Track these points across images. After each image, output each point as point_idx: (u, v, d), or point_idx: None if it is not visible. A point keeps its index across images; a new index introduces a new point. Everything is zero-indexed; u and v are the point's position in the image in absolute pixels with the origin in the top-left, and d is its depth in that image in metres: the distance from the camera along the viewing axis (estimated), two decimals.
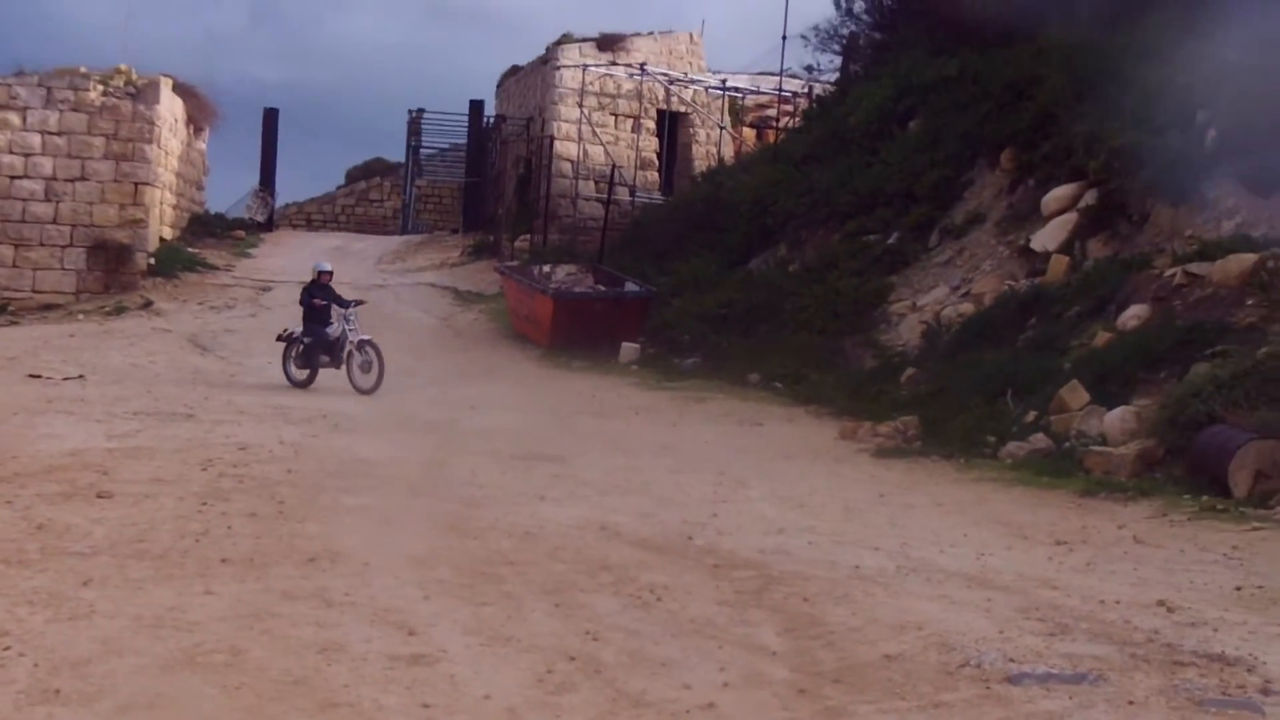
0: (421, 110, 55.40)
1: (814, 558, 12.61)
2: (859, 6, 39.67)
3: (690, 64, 49.03)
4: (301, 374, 25.52)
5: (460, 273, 43.02)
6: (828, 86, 41.25)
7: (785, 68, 42.71)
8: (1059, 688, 8.65)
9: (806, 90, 43.99)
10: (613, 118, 46.97)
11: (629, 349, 30.26)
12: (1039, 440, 18.81)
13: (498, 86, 54.76)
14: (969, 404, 20.74)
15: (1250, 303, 19.49)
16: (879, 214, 31.15)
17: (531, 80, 49.79)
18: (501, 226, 46.30)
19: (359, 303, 26.40)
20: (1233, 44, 24.93)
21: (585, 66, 45.86)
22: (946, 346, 24.57)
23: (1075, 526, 14.45)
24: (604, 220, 40.95)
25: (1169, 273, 21.74)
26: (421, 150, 56.61)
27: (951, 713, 8.23)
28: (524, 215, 46.77)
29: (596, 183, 45.25)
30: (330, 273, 26.62)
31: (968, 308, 25.66)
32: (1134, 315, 21.29)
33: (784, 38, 41.40)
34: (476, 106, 53.48)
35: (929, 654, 9.43)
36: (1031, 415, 19.76)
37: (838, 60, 41.09)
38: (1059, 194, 26.24)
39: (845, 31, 40.40)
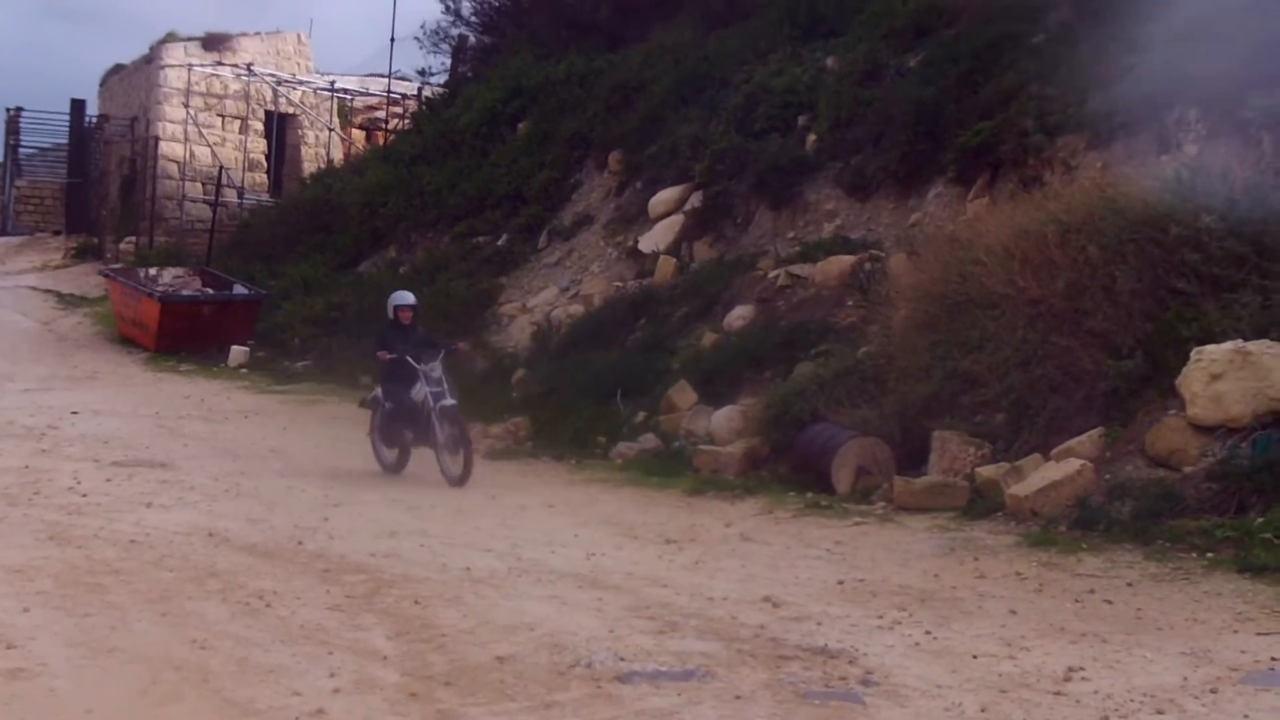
0: (20, 108, 53.26)
1: (426, 560, 12.49)
2: (466, 9, 39.62)
3: (298, 65, 48.36)
4: (390, 453, 18.32)
5: (63, 275, 41.41)
6: (437, 89, 41.09)
7: (394, 69, 42.48)
8: (668, 685, 8.69)
9: (416, 92, 43.76)
10: (220, 119, 46.02)
11: (238, 352, 29.53)
12: (649, 440, 19.00)
13: (101, 85, 53.04)
14: (579, 405, 20.81)
15: (850, 303, 20.05)
16: (489, 216, 31.12)
17: (135, 79, 48.40)
18: (105, 228, 44.80)
19: (451, 348, 18.78)
20: (831, 50, 25.71)
21: (191, 66, 44.82)
22: (557, 348, 24.63)
23: (684, 525, 14.61)
24: (212, 222, 39.93)
25: (772, 274, 22.24)
26: (21, 149, 54.41)
27: (563, 712, 8.19)
28: (129, 217, 45.34)
29: (204, 184, 44.27)
30: (413, 307, 18.70)
31: (577, 309, 25.76)
32: (739, 316, 21.70)
33: (392, 40, 41.32)
34: (78, 105, 51.66)
35: (540, 655, 9.38)
36: (641, 416, 19.96)
37: (448, 62, 40.98)
38: (665, 196, 26.55)
39: (454, 34, 40.32)
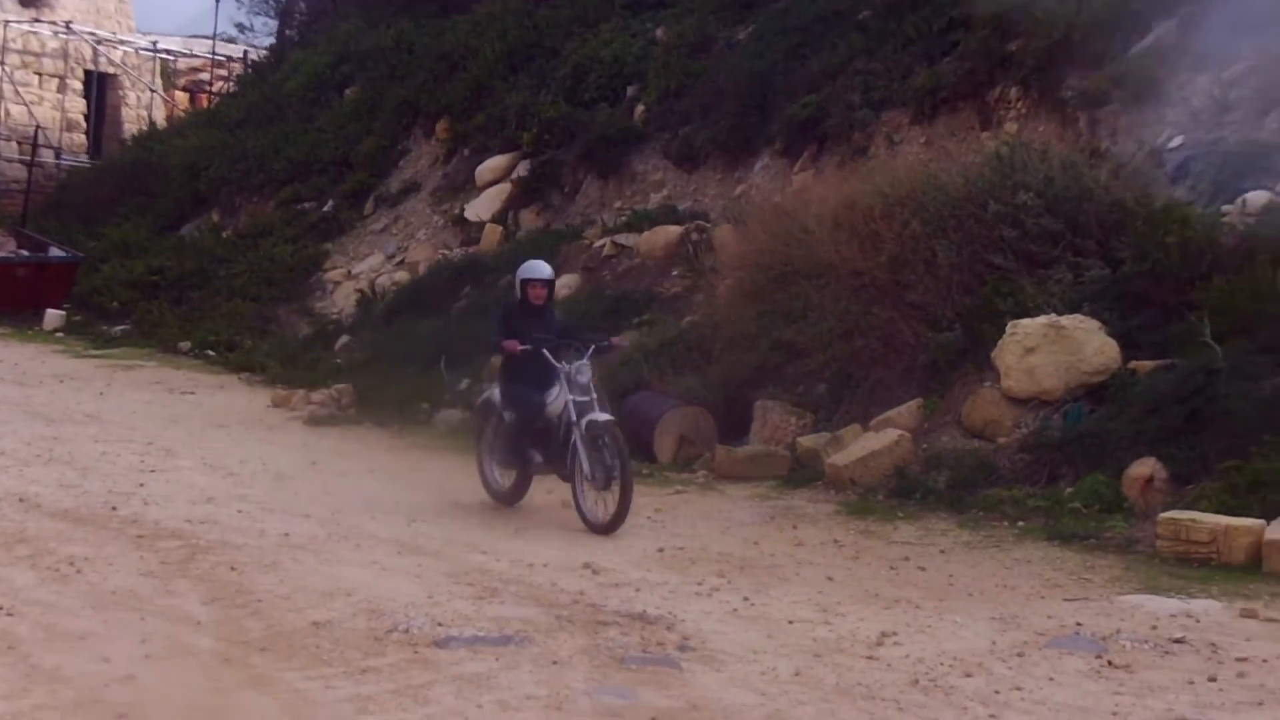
0: None
1: (243, 526, 12.30)
2: None
3: (119, 23, 47.28)
4: (504, 478, 13.99)
5: None
6: (263, 52, 40.52)
7: (219, 31, 41.76)
8: (485, 650, 8.66)
9: (242, 55, 43.10)
10: (37, 76, 44.83)
11: (54, 315, 28.93)
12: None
13: None
14: (403, 372, 20.69)
15: (676, 273, 20.17)
16: (315, 181, 30.78)
17: None
18: None
19: (605, 344, 13.98)
20: (661, 22, 25.76)
21: (7, 23, 43.67)
22: (381, 315, 24.49)
23: None
24: (27, 183, 39.03)
25: (599, 243, 22.28)
26: None
27: (379, 677, 8.13)
28: None
29: (19, 144, 43.14)
30: (549, 283, 14.21)
31: (403, 276, 25.66)
32: (565, 285, 21.67)
33: (217, 0, 40.50)
34: None
35: (357, 620, 9.31)
36: (465, 383, 19.87)
37: (272, 23, 40.46)
38: (493, 164, 26.51)
39: None
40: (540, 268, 13.97)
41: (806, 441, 14.98)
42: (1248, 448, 11.83)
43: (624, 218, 23.05)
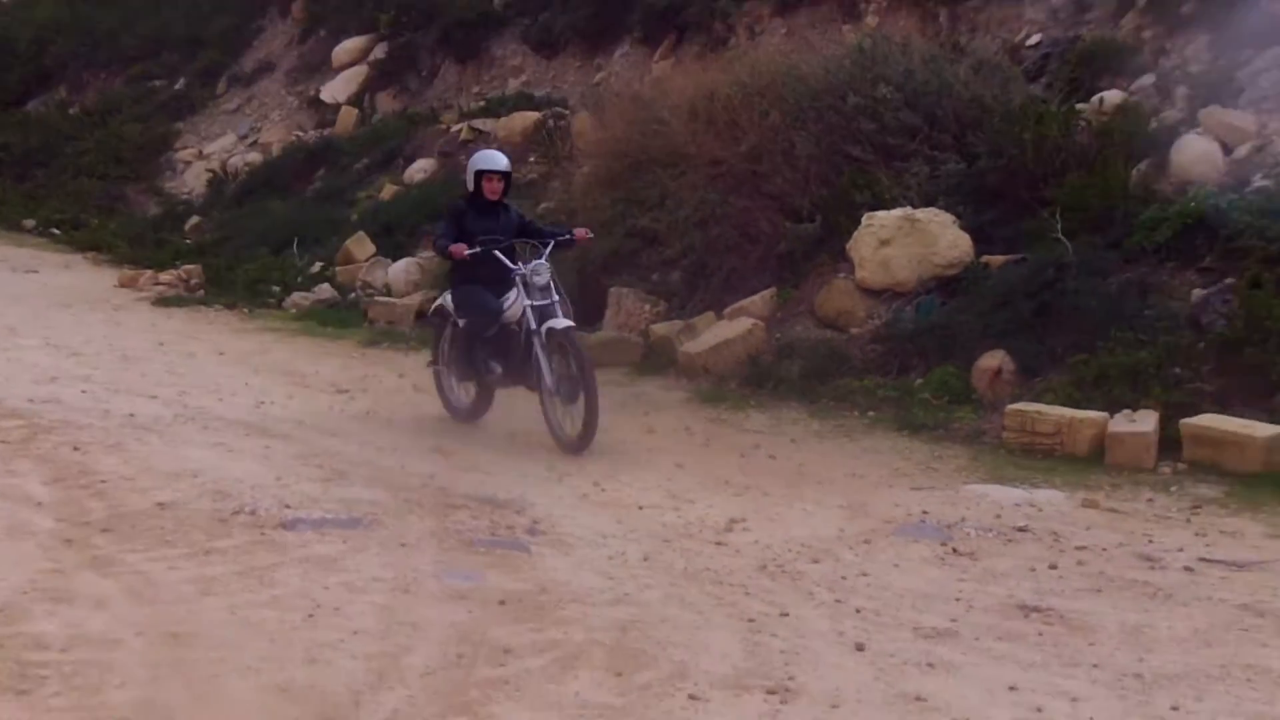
0: None
1: (88, 407, 12.12)
2: None
3: None
4: (464, 392, 12.72)
5: None
6: None
7: None
8: (333, 532, 8.61)
9: None
10: None
11: None
12: (324, 291, 18.73)
13: None
14: (254, 254, 20.49)
15: (532, 159, 20.05)
16: (165, 59, 30.28)
17: None
18: None
19: (565, 236, 12.52)
20: None
21: None
22: (233, 196, 24.25)
23: (357, 375, 14.42)
24: None
25: (455, 128, 22.12)
26: None
27: (223, 559, 8.05)
28: None
29: None
30: (506, 175, 12.41)
31: (255, 157, 25.38)
32: (421, 169, 21.60)
33: None
34: None
35: (203, 501, 9.22)
36: (317, 266, 19.71)
37: None
38: (349, 46, 26.24)
39: None
40: (496, 158, 12.51)
41: (660, 329, 14.96)
42: (1094, 342, 11.97)
43: (481, 103, 22.90)
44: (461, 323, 12.14)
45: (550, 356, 11.57)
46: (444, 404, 12.67)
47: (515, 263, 11.87)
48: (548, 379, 11.53)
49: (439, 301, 12.73)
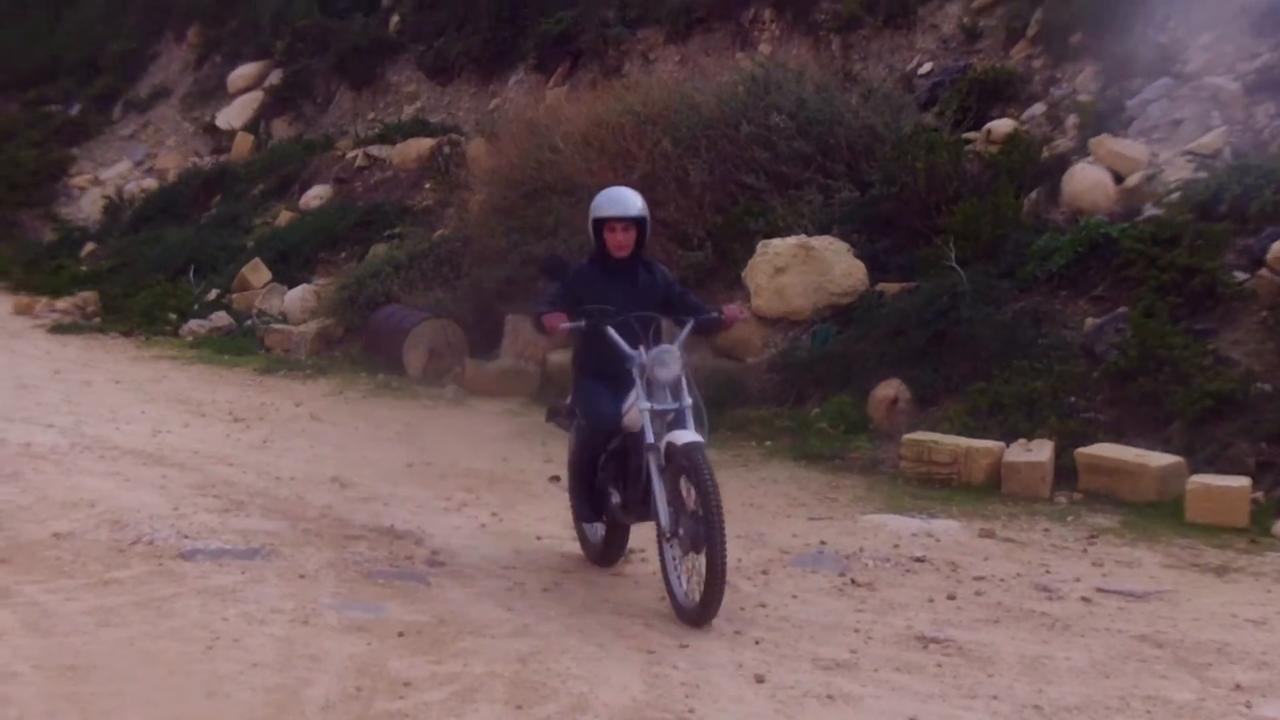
0: None
1: None
2: None
3: None
4: (594, 530, 9.28)
5: None
6: None
7: None
8: (231, 563, 8.58)
9: None
10: None
11: None
12: (220, 318, 18.68)
13: None
14: (150, 281, 20.38)
15: (427, 186, 20.08)
16: (61, 83, 30.07)
17: None
18: None
19: (708, 317, 8.87)
20: None
21: None
22: (129, 222, 24.14)
23: (254, 404, 14.40)
24: None
25: (351, 154, 22.13)
26: None
27: (121, 589, 8.00)
28: None
29: None
30: (640, 222, 8.78)
31: (151, 183, 25.32)
32: (316, 195, 21.57)
33: None
34: None
35: (100, 531, 9.17)
36: (214, 293, 19.64)
37: None
38: (245, 72, 26.23)
39: None
40: (622, 198, 8.88)
41: (556, 358, 15.00)
42: (990, 371, 12.11)
43: (377, 129, 22.89)
44: (577, 427, 9.06)
45: (669, 483, 8.28)
46: (579, 539, 9.40)
47: (638, 345, 8.51)
48: (663, 516, 8.22)
49: (569, 400, 9.41)
